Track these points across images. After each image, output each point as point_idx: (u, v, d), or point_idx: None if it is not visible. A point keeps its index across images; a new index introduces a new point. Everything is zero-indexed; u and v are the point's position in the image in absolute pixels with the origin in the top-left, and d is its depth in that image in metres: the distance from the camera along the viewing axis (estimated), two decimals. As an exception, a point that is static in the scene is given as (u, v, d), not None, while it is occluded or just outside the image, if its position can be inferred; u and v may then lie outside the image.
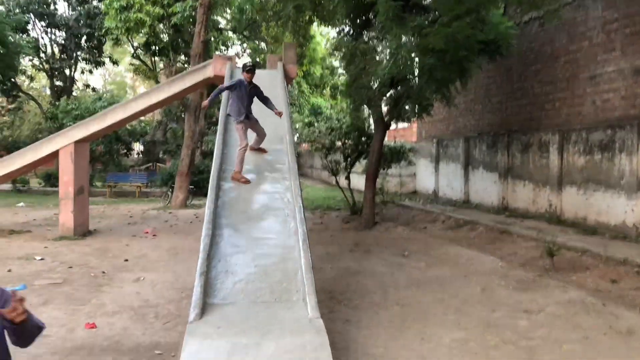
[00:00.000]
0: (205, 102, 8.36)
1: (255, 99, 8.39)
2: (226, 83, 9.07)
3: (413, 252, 9.81)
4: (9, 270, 8.30)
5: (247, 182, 7.60)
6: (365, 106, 13.54)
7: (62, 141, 11.59)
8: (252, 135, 8.39)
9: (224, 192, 7.37)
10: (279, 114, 8.46)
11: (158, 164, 31.42)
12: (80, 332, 5.60)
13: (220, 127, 8.71)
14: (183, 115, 22.72)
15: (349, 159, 15.20)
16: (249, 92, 8.16)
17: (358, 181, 17.29)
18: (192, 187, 19.00)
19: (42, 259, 9.14)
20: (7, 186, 22.32)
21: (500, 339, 5.35)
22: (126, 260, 9.25)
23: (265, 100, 8.41)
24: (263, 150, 8.51)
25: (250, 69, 8.10)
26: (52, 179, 23.09)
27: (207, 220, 6.33)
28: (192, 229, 12.51)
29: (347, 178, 15.31)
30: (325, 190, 22.89)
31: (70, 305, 6.53)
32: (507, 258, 9.05)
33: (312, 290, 5.25)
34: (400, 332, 5.66)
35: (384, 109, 13.08)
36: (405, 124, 19.15)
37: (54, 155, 11.88)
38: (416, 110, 12.57)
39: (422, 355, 5.01)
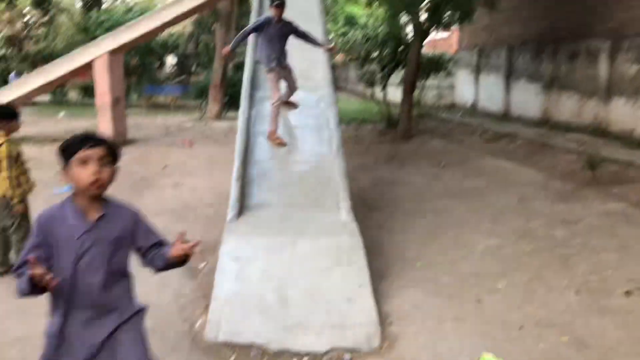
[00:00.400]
0: (227, 49, 6.94)
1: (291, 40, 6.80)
2: (252, 23, 7.13)
3: (449, 164, 9.69)
4: (55, 174, 8.60)
5: (283, 144, 6.39)
6: (403, 13, 12.91)
7: (96, 51, 11.57)
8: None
9: (257, 101, 7.30)
10: (329, 50, 7.30)
11: (191, 76, 31.29)
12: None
13: (246, 78, 7.38)
14: (214, 28, 22.24)
15: (385, 70, 14.76)
16: (279, 31, 6.59)
17: (394, 93, 16.89)
18: (226, 99, 18.95)
19: (84, 166, 9.43)
20: (47, 97, 22.74)
21: (535, 247, 5.32)
22: (165, 166, 9.46)
23: (305, 37, 6.82)
24: (293, 106, 7.16)
25: (278, 3, 6.39)
26: (89, 91, 23.32)
27: (241, 127, 6.32)
28: (228, 140, 12.59)
29: (383, 90, 14.95)
30: (361, 103, 22.51)
31: (114, 207, 6.78)
32: (546, 171, 8.85)
33: (346, 195, 5.26)
34: (433, 238, 5.70)
35: (423, 16, 12.46)
36: (445, 34, 18.31)
37: (89, 66, 11.91)
38: (457, 17, 11.92)
39: (454, 260, 5.05)
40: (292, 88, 7.04)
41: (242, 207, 5.18)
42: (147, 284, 4.40)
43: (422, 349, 3.44)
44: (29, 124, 15.26)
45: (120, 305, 2.10)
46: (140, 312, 2.18)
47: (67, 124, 15.69)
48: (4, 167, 4.42)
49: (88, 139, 1.96)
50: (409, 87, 12.80)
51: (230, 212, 4.97)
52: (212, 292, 3.86)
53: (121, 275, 2.12)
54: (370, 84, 15.15)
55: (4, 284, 4.43)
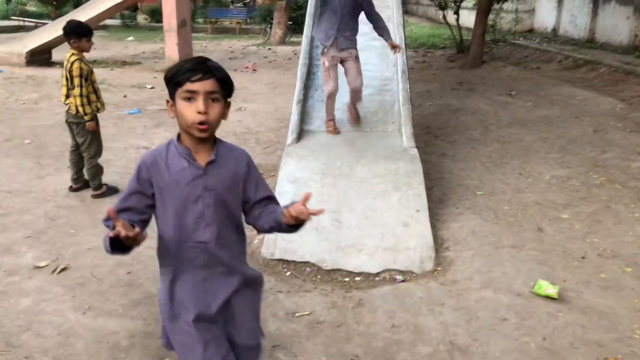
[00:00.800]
0: (283, 3, 5.76)
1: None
2: None
3: (521, 92, 9.17)
4: (125, 96, 8.90)
5: (337, 132, 5.17)
6: None
7: (163, -28, 11.50)
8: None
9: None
10: (395, 49, 5.16)
11: (257, -1, 30.79)
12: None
13: (303, 54, 6.20)
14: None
15: (459, -9, 13.87)
16: (345, 2, 4.85)
17: (468, 17, 15.94)
18: (291, 23, 18.59)
19: (152, 88, 9.68)
20: (116, 21, 23.18)
21: (606, 179, 5.02)
22: (229, 91, 9.53)
23: (375, 19, 5.05)
24: (357, 120, 5.25)
25: None
26: (156, 15, 23.54)
27: (304, 50, 6.19)
28: (291, 65, 12.47)
29: (456, 13, 14.10)
30: (431, 28, 21.49)
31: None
32: (628, 100, 8.19)
33: (408, 121, 5.11)
34: (497, 166, 5.50)
35: None
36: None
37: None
38: None
39: (518, 189, 4.87)
40: (353, 81, 5.02)
41: (302, 131, 5.16)
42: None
43: (475, 273, 3.39)
44: (100, 47, 15.71)
45: (236, 266, 1.81)
46: (259, 279, 1.92)
47: (135, 47, 16.02)
48: (76, 84, 4.53)
49: (196, 69, 1.61)
50: (483, 10, 12.00)
51: (290, 136, 4.97)
52: (270, 212, 3.93)
53: (236, 231, 1.81)
54: (442, 7, 14.28)
55: (78, 198, 4.72)
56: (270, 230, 1.80)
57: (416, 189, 4.19)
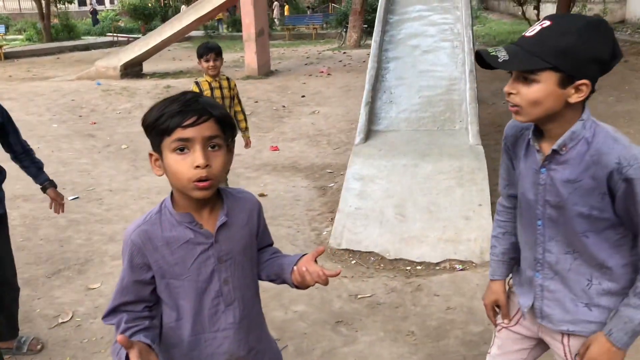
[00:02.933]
0: (358, 7, 6.21)
1: None
2: None
3: (603, 87, 8.85)
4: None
5: None
6: None
7: (242, -16, 12.17)
8: None
9: (391, 25, 7.30)
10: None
11: (333, 4, 31.36)
12: (266, 153, 6.46)
13: (381, 1, 7.30)
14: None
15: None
16: None
17: (552, 12, 15.45)
18: (366, 26, 18.86)
19: (233, 95, 10.31)
20: (199, 33, 24.52)
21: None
22: (303, 96, 9.96)
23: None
24: None
25: None
26: (237, 25, 24.65)
27: (373, 54, 6.45)
28: (365, 67, 12.67)
29: (536, 8, 13.75)
30: (512, 24, 20.97)
31: (258, 132, 7.44)
32: None
33: (475, 119, 5.22)
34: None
35: None
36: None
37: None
38: None
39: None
40: None
41: (370, 132, 5.42)
42: (282, 198, 4.97)
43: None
44: (185, 58, 16.77)
45: (264, 349, 1.48)
46: (279, 354, 1.59)
47: (218, 57, 16.94)
48: (236, 102, 4.41)
49: (188, 109, 1.21)
50: (566, 2, 11.63)
51: (358, 136, 5.24)
52: (338, 207, 4.23)
53: (256, 300, 1.48)
54: (521, 2, 13.97)
55: (168, 194, 5.26)
56: (267, 280, 1.50)
57: (480, 184, 4.32)
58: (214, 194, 1.32)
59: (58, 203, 2.85)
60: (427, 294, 3.23)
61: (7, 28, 25.72)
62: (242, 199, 1.43)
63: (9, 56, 18.71)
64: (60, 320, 3.11)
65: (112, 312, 1.34)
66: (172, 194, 1.35)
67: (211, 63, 4.07)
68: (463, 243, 3.78)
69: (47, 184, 2.85)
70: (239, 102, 4.47)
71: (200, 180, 1.22)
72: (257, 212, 1.45)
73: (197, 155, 1.20)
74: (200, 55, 4.11)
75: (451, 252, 3.73)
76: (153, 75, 13.24)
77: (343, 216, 4.12)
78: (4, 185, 2.74)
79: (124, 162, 6.35)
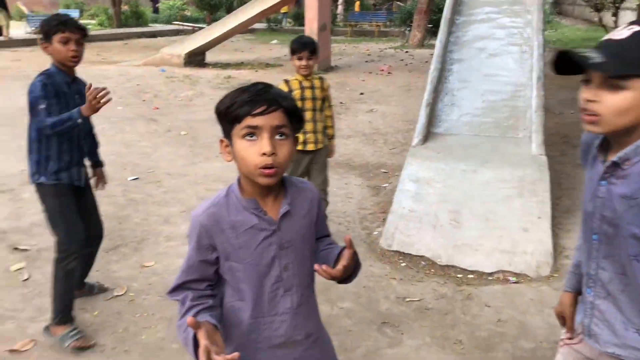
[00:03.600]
0: (424, 6, 6.18)
1: None
2: None
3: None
4: (267, 96, 9.68)
5: None
6: None
7: (308, -22, 12.23)
8: None
9: (458, 26, 7.13)
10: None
11: (397, 2, 31.05)
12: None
13: (448, 2, 7.19)
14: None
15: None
16: None
17: (631, 19, 14.71)
18: (431, 25, 18.56)
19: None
20: (262, 25, 24.82)
21: None
22: (362, 93, 9.92)
23: None
24: None
25: None
26: (300, 18, 24.81)
27: (437, 54, 6.32)
28: (427, 68, 12.45)
29: (614, 15, 13.11)
30: (586, 31, 20.14)
31: (313, 127, 7.47)
32: None
33: (540, 128, 5.03)
34: (638, 181, 5.18)
35: None
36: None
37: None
38: None
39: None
40: None
41: (429, 134, 5.32)
42: (334, 194, 4.96)
43: (594, 284, 3.34)
44: (247, 50, 17.04)
45: (318, 336, 1.52)
46: (329, 340, 1.62)
47: (278, 50, 17.12)
48: (326, 105, 3.85)
49: (258, 99, 1.27)
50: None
51: (416, 137, 5.15)
52: (391, 208, 4.18)
53: (312, 289, 1.53)
54: (598, 8, 13.37)
55: (225, 184, 5.35)
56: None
57: (540, 196, 4.16)
58: (278, 182, 1.37)
59: (102, 182, 3.23)
60: (478, 303, 3.14)
61: (81, 13, 26.85)
62: (304, 189, 1.47)
63: (82, 39, 19.53)
64: (115, 294, 3.22)
65: (178, 288, 1.42)
66: (239, 179, 1.40)
67: (304, 62, 3.49)
68: (519, 255, 3.65)
69: (98, 163, 3.20)
70: (330, 106, 3.90)
71: (266, 167, 1.27)
72: (316, 202, 1.49)
73: (264, 143, 1.26)
74: (293, 52, 3.54)
75: (506, 263, 3.61)
76: (215, 65, 13.52)
77: (396, 217, 4.07)
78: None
79: (183, 147, 6.51)
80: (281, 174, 1.34)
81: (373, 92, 10.10)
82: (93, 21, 26.16)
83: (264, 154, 1.26)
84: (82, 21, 26.29)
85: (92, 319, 2.95)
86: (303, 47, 3.51)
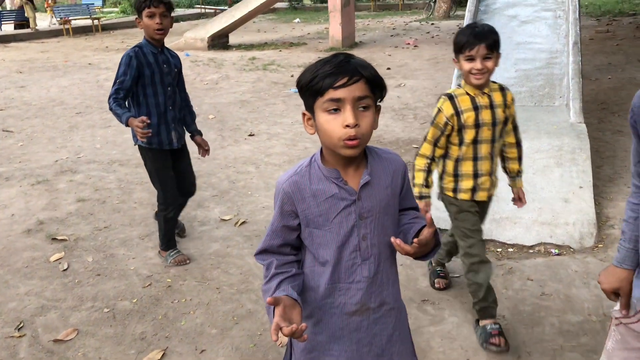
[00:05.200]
0: None
1: None
2: None
3: None
4: (292, 76, 9.58)
5: None
6: None
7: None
8: None
9: (487, -7, 6.89)
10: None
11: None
12: (349, 126, 6.37)
13: None
14: None
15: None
16: None
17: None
18: (456, -4, 18.09)
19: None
20: (284, 4, 24.59)
21: None
22: (388, 68, 9.73)
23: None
24: None
25: None
26: (323, -4, 24.49)
27: (466, 24, 6.13)
28: (453, 40, 12.24)
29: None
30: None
31: (341, 105, 7.37)
32: None
33: (578, 95, 4.84)
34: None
35: None
36: None
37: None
38: None
39: None
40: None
41: (460, 105, 5.18)
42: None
43: (642, 254, 3.20)
44: (270, 30, 16.92)
45: (393, 306, 1.52)
46: (404, 309, 1.61)
47: (301, 28, 16.94)
48: (509, 128, 2.59)
49: (339, 71, 1.25)
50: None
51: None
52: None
53: (394, 261, 1.51)
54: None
55: (253, 165, 5.32)
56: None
57: (581, 165, 4.01)
58: (361, 153, 1.37)
59: (204, 149, 3.53)
60: (520, 277, 3.05)
61: (104, 1, 27.08)
62: (387, 159, 1.46)
63: (106, 28, 19.74)
64: (152, 280, 3.24)
65: (263, 252, 1.48)
66: (321, 150, 1.41)
67: (478, 64, 2.29)
68: (560, 227, 3.52)
69: (196, 132, 3.48)
70: (515, 128, 2.63)
71: (349, 139, 1.27)
72: (401, 173, 1.47)
73: (347, 115, 1.26)
74: (460, 48, 2.33)
75: (547, 235, 3.50)
76: (239, 47, 13.46)
77: (432, 193, 3.97)
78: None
79: (212, 131, 6.50)
80: (364, 145, 1.34)
81: (400, 66, 9.90)
82: (116, 9, 26.35)
83: (348, 125, 1.26)
84: (105, 9, 26.52)
85: (131, 306, 2.97)
86: (478, 39, 2.27)
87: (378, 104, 1.35)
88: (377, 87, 1.31)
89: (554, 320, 2.66)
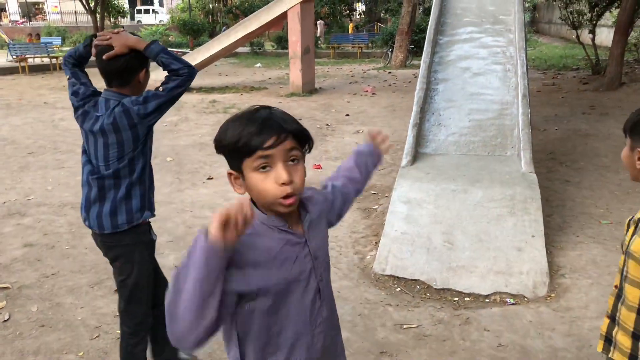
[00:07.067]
0: (405, 27, 5.94)
1: None
2: None
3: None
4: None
5: None
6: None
7: (290, 1, 12.30)
8: None
9: (441, 46, 7.18)
10: None
11: (379, 23, 31.47)
12: (308, 172, 6.37)
13: (432, 21, 7.10)
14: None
15: (595, 9, 13.13)
16: None
17: (607, 36, 15.00)
18: (412, 46, 18.78)
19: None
20: (245, 49, 24.92)
21: None
22: (347, 115, 9.92)
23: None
24: None
25: None
26: (282, 42, 24.98)
27: (422, 75, 6.33)
28: (410, 88, 12.62)
29: (592, 32, 13.34)
30: (564, 48, 20.54)
31: (300, 149, 7.42)
32: None
33: (528, 146, 5.04)
34: (629, 195, 5.19)
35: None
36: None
37: (283, 16, 12.75)
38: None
39: (650, 220, 4.57)
40: None
41: (417, 154, 5.29)
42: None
43: (592, 301, 3.29)
44: (231, 74, 17.04)
45: (340, 343, 1.51)
46: None
47: (262, 73, 17.16)
48: None
49: (266, 129, 1.21)
50: (623, 26, 11.17)
51: (405, 158, 5.12)
52: (382, 231, 4.11)
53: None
54: (575, 26, 13.60)
55: (211, 210, 5.24)
56: (362, 181, 1.70)
57: (533, 214, 4.13)
58: None
59: None
60: (477, 328, 3.07)
61: (63, 40, 26.80)
62: (313, 196, 1.43)
63: (65, 66, 19.40)
64: (101, 332, 3.09)
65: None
66: (254, 203, 1.30)
67: None
68: (515, 276, 3.60)
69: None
70: None
71: (286, 197, 1.22)
72: (323, 200, 1.48)
73: (280, 173, 1.21)
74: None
75: (502, 284, 3.55)
76: (200, 89, 13.48)
77: (388, 240, 4.00)
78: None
79: (169, 174, 6.41)
80: (299, 198, 1.29)
81: (358, 113, 10.11)
82: (75, 49, 26.03)
83: (283, 183, 1.21)
84: (64, 48, 26.24)
85: (77, 359, 2.82)
86: None
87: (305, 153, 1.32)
88: (302, 139, 1.29)
89: (510, 372, 2.67)
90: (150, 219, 2.43)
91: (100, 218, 2.27)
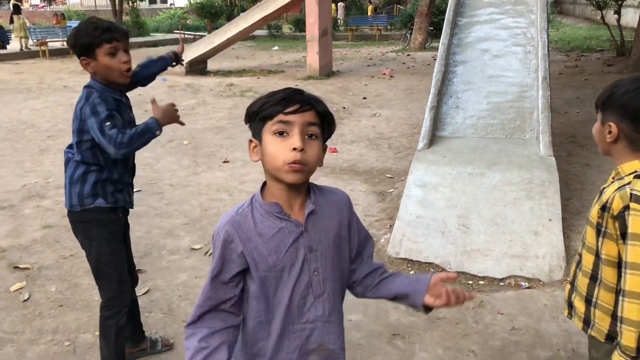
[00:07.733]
0: (424, 8, 5.98)
1: None
2: None
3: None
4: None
5: None
6: None
7: (308, -16, 12.19)
8: None
9: (460, 28, 7.06)
10: None
11: (398, 5, 31.02)
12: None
13: (451, 3, 7.07)
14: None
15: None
16: None
17: (632, 17, 14.59)
18: (432, 28, 18.51)
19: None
20: (263, 32, 24.83)
21: None
22: (364, 98, 9.85)
23: None
24: None
25: None
26: (300, 24, 24.82)
27: (440, 57, 6.25)
28: (429, 71, 12.46)
29: (617, 13, 12.97)
30: (588, 30, 20.07)
31: (317, 133, 7.40)
32: None
33: (547, 128, 4.95)
34: (649, 179, 5.07)
35: None
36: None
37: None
38: None
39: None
40: None
41: (434, 137, 5.24)
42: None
43: (610, 289, 3.23)
44: (248, 57, 17.02)
45: (342, 348, 1.46)
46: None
47: (280, 56, 17.09)
48: None
49: (292, 98, 1.26)
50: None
51: (421, 141, 5.07)
52: (397, 214, 4.09)
53: (342, 299, 1.47)
54: (600, 6, 13.22)
55: (227, 192, 5.26)
56: (380, 298, 1.50)
57: (550, 198, 4.07)
58: (305, 188, 1.36)
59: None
60: (490, 311, 3.05)
61: (83, 24, 26.97)
62: (331, 192, 1.44)
63: (84, 51, 19.55)
64: (117, 312, 3.14)
65: (194, 322, 1.36)
66: (262, 187, 1.36)
67: None
68: (530, 259, 3.55)
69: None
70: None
71: (294, 162, 1.24)
72: (346, 206, 1.45)
73: (294, 139, 1.24)
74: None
75: (517, 268, 3.52)
76: (217, 73, 13.49)
77: (403, 224, 3.98)
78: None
79: (186, 157, 6.45)
80: (308, 174, 1.29)
81: (376, 96, 10.03)
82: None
83: (295, 148, 1.23)
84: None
85: (93, 339, 2.87)
86: None
87: (324, 143, 1.33)
88: (326, 122, 1.31)
89: (523, 356, 2.65)
90: (160, 200, 2.49)
91: (65, 196, 2.41)
